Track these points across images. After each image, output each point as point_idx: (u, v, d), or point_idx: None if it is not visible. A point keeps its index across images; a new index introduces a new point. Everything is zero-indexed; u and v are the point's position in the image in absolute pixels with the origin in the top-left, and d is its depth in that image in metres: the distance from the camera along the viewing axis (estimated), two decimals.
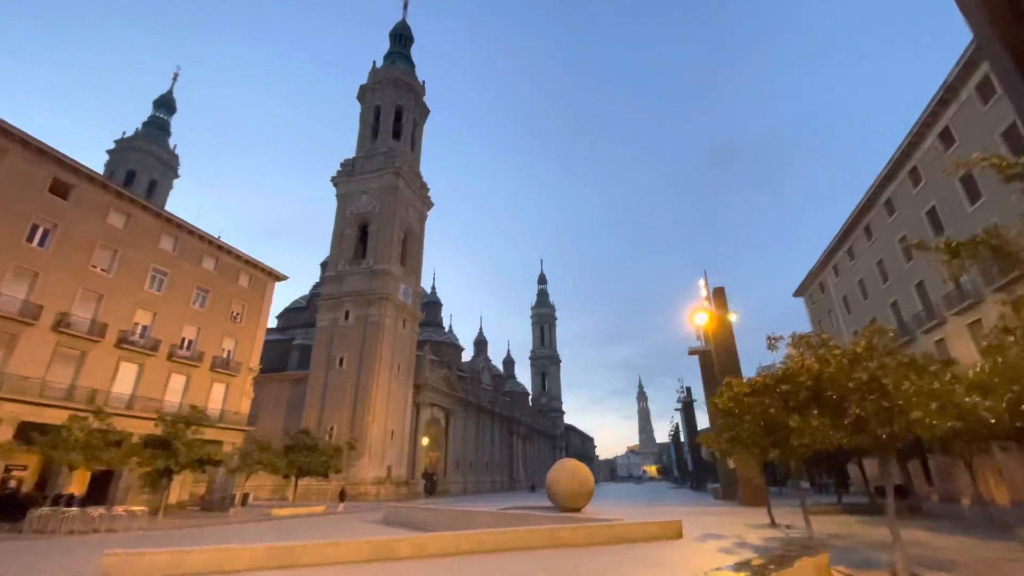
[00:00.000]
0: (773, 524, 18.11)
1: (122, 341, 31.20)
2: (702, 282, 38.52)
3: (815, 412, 11.08)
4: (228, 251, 39.08)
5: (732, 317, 36.58)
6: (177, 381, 34.42)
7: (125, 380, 31.59)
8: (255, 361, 40.72)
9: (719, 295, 37.86)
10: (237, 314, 39.74)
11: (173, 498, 35.22)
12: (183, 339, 35.26)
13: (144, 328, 33.04)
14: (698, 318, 37.68)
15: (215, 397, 37.03)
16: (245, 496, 41.88)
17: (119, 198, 32.30)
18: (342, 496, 37.54)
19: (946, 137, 25.79)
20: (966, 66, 23.45)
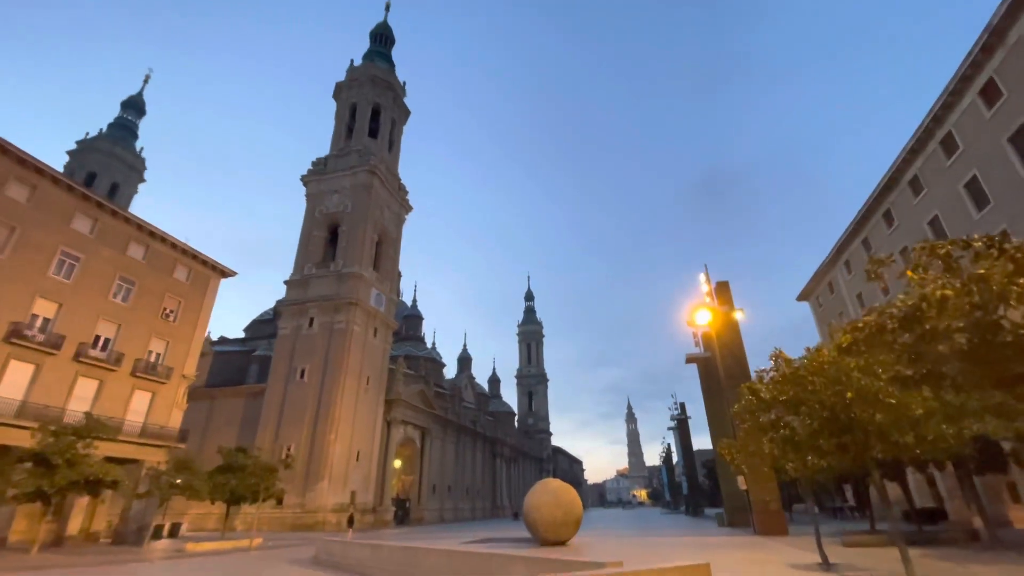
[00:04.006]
0: (827, 565, 13.22)
1: (13, 335, 25.69)
2: (703, 277, 34.16)
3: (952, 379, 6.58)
4: (162, 238, 33.87)
5: (738, 315, 32.19)
6: (86, 386, 28.74)
7: (15, 383, 25.93)
8: (191, 367, 35.10)
9: (723, 290, 33.52)
10: (170, 312, 34.26)
11: (75, 527, 29.25)
12: (97, 337, 29.71)
13: (45, 321, 27.55)
14: (699, 317, 33.09)
15: (137, 408, 31.27)
16: (175, 527, 35.77)
17: (20, 166, 27.21)
18: (350, 522, 31.87)
19: (990, 92, 22.14)
20: (1012, 6, 19.93)
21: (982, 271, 6.44)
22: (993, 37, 21.14)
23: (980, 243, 6.82)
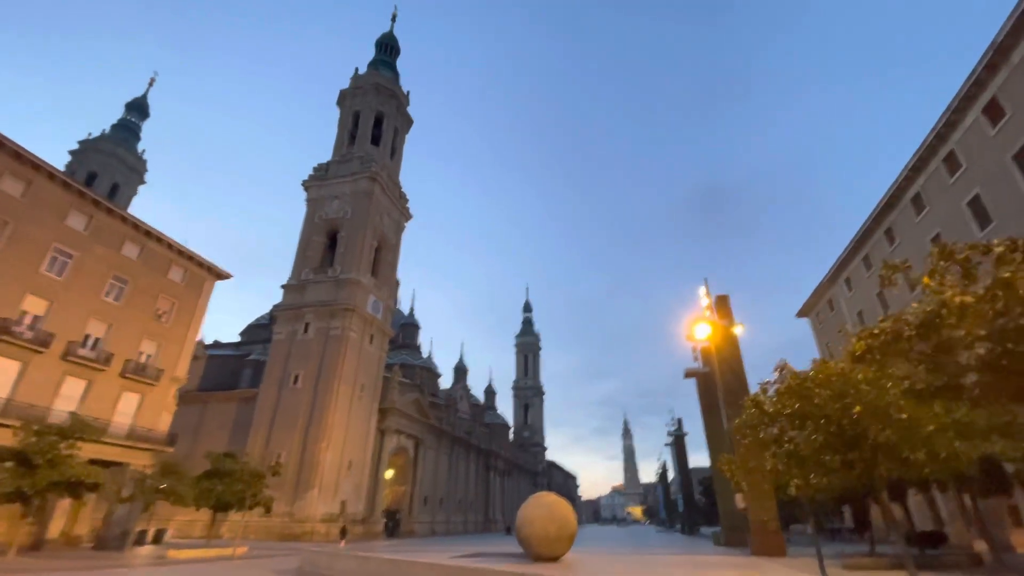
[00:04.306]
0: None
1: (0, 331, 25.22)
2: (703, 290, 33.87)
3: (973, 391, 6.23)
4: (157, 238, 33.56)
5: (738, 329, 31.84)
6: (73, 386, 28.19)
7: (0, 380, 25.41)
8: (182, 369, 34.57)
9: (723, 304, 33.19)
10: (163, 313, 33.82)
11: (55, 530, 28.50)
12: (87, 336, 29.24)
13: (35, 318, 27.10)
14: (699, 331, 32.72)
15: (124, 409, 30.68)
16: (160, 532, 34.86)
17: (16, 160, 26.98)
18: (343, 534, 31.46)
19: (993, 110, 22.10)
20: (1017, 25, 19.96)
21: (1007, 275, 6.12)
22: (997, 55, 21.16)
23: (1001, 247, 6.50)
